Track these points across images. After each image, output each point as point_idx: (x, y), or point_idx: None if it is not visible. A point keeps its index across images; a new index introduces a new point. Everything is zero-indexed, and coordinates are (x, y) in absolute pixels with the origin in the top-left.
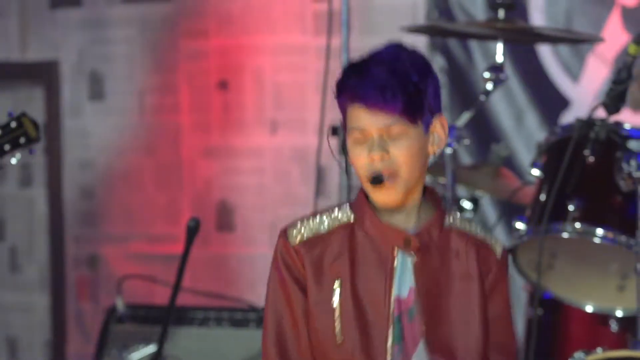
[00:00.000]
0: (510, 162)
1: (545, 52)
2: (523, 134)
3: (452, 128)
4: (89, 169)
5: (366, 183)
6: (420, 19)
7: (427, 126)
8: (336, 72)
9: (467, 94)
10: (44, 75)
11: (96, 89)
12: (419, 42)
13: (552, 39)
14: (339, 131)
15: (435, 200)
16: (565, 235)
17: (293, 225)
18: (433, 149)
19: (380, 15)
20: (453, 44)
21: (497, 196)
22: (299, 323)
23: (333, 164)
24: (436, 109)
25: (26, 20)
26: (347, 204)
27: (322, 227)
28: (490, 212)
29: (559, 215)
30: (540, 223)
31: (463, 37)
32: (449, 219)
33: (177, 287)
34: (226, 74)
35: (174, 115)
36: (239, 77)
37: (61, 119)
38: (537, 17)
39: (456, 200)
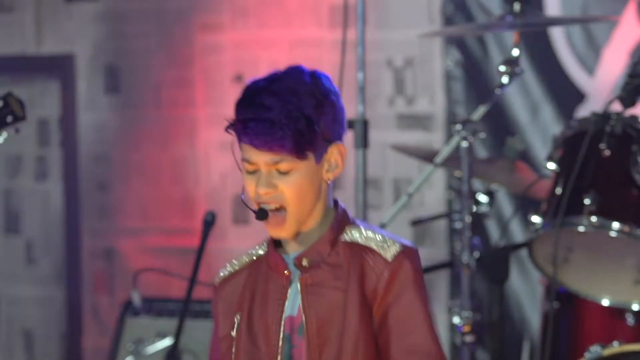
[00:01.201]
0: (525, 156)
1: (561, 46)
2: (538, 127)
3: (467, 122)
4: (105, 162)
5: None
6: (436, 12)
7: (320, 156)
8: (352, 65)
9: (482, 87)
10: (59, 68)
11: (112, 83)
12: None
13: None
14: (355, 125)
15: (334, 216)
16: (581, 229)
17: (225, 265)
18: (328, 176)
19: (396, 8)
20: (468, 37)
21: (513, 190)
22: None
23: (349, 157)
24: (334, 137)
25: (42, 13)
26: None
27: (240, 264)
28: (506, 205)
29: (575, 208)
30: (556, 217)
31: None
32: (346, 233)
33: (193, 281)
34: (242, 67)
35: (189, 109)
36: (255, 71)
37: (77, 113)
38: (553, 7)
39: (472, 194)
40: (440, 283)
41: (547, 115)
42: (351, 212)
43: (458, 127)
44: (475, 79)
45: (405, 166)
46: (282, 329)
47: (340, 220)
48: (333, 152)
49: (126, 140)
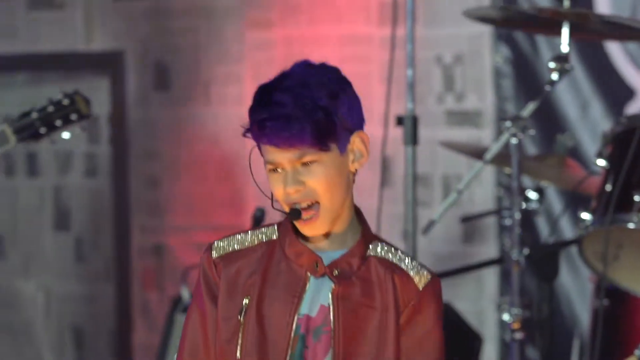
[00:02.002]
0: (575, 153)
1: (611, 42)
2: (588, 124)
3: (516, 118)
4: (154, 159)
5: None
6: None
7: (343, 147)
8: (401, 62)
9: (532, 84)
10: (109, 65)
11: (161, 79)
12: (484, 32)
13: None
14: (405, 121)
15: (361, 226)
16: (631, 225)
17: (220, 239)
18: (354, 166)
19: (445, 5)
20: (518, 33)
21: (563, 186)
22: (210, 343)
23: (398, 154)
24: (354, 126)
25: (91, 10)
26: (276, 223)
27: (245, 243)
28: (555, 202)
29: (625, 205)
30: (606, 214)
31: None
32: (374, 247)
33: None
34: (291, 64)
35: (238, 106)
36: None
37: (126, 109)
38: (603, 7)
39: (521, 191)
40: (489, 280)
41: (597, 112)
42: (400, 209)
43: (507, 123)
44: (524, 76)
45: (455, 163)
46: (294, 324)
47: (367, 230)
48: (355, 141)
49: (176, 137)
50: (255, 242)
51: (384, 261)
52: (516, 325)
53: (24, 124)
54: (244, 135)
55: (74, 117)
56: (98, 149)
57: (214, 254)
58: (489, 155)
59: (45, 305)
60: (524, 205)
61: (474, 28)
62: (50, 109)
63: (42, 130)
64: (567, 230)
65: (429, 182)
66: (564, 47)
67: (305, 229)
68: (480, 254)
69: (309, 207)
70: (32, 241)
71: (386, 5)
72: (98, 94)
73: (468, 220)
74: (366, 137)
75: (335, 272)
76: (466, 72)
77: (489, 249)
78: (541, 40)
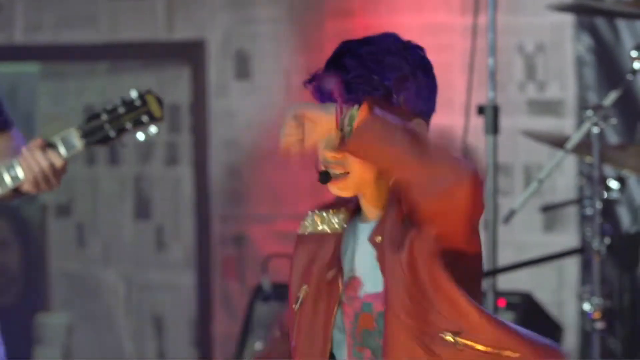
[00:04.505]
0: None
1: None
2: None
3: (598, 107)
4: (235, 148)
5: None
6: None
7: None
8: (483, 51)
9: (614, 73)
10: (190, 54)
11: (242, 69)
12: (566, 21)
13: None
14: (486, 110)
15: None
16: None
17: (313, 211)
18: None
19: None
20: (600, 22)
21: None
22: None
23: (479, 143)
24: (417, 112)
25: None
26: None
27: (317, 226)
28: (637, 192)
29: None
30: None
31: (610, 15)
32: None
33: None
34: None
35: None
36: None
37: (207, 99)
38: None
39: (603, 180)
40: (570, 269)
41: None
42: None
43: (589, 112)
44: (606, 65)
45: (536, 152)
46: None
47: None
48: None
49: (256, 126)
50: (331, 230)
51: None
52: (597, 315)
53: (93, 127)
54: (304, 84)
55: (145, 119)
56: (179, 137)
57: (301, 231)
58: (570, 145)
59: (126, 293)
60: (605, 195)
61: (556, 17)
62: (121, 110)
63: (112, 133)
64: None
65: (509, 171)
66: None
67: (332, 189)
68: (560, 243)
69: (340, 174)
70: (112, 230)
71: None
72: (179, 83)
73: (549, 209)
74: (425, 128)
75: (378, 239)
76: (548, 61)
77: (570, 239)
78: (623, 28)
